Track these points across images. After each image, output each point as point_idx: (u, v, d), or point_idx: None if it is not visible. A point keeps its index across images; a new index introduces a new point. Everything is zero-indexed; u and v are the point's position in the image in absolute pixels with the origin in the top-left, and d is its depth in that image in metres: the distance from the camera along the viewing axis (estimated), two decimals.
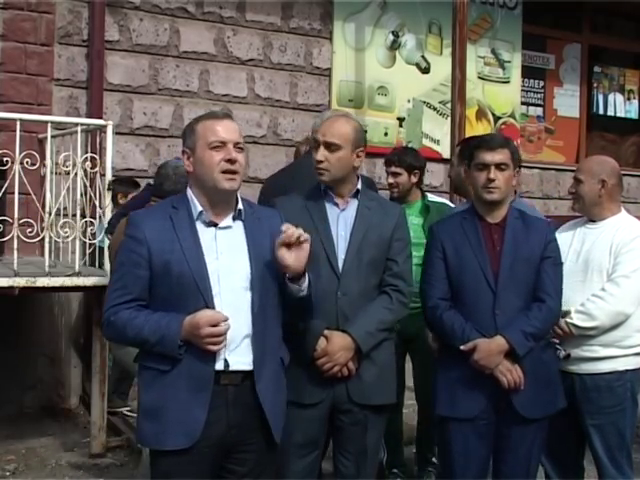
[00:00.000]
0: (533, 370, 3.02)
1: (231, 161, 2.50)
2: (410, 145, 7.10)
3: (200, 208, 2.54)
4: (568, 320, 3.26)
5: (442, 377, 3.14)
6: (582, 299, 3.28)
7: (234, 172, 2.51)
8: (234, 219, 2.59)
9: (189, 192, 2.59)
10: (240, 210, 2.59)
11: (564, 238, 3.46)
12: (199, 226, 2.54)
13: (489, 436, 3.07)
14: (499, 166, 3.04)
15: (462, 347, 2.98)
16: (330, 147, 2.94)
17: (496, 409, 3.03)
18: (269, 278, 2.55)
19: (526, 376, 2.99)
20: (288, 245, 2.49)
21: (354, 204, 3.03)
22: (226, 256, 2.53)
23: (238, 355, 2.49)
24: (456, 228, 3.14)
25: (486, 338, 2.97)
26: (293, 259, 2.50)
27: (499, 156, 3.04)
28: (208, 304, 2.45)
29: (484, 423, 3.03)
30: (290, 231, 2.48)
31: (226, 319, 2.41)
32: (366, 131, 6.25)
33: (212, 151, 2.51)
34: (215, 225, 2.56)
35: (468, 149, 3.35)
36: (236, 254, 2.54)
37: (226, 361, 2.47)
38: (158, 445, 2.51)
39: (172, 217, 2.54)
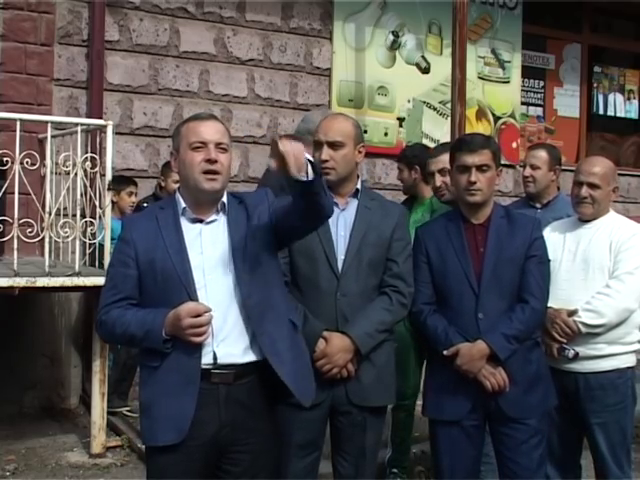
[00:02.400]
0: (519, 371, 3.03)
1: (210, 161, 2.50)
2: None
3: (184, 205, 2.58)
4: (576, 319, 3.26)
5: (430, 380, 3.17)
6: (585, 298, 3.29)
7: (214, 172, 2.51)
8: (218, 212, 2.60)
9: (177, 193, 2.65)
10: (224, 203, 2.61)
11: (554, 239, 3.45)
12: (184, 223, 2.58)
13: (478, 437, 3.10)
14: (480, 168, 3.03)
15: (445, 352, 3.00)
16: (334, 145, 2.95)
17: (485, 410, 3.05)
18: (254, 270, 2.54)
19: (511, 377, 3.00)
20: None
21: (354, 204, 3.03)
22: (211, 250, 2.55)
23: (227, 346, 2.49)
24: (440, 231, 3.14)
25: (469, 342, 2.99)
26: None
27: (480, 158, 3.03)
28: (192, 297, 2.47)
29: (472, 424, 3.05)
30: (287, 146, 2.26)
31: (208, 310, 2.42)
32: (366, 131, 6.30)
33: (193, 152, 2.54)
34: (201, 221, 2.59)
35: (451, 150, 3.33)
36: (221, 248, 2.56)
37: (214, 354, 2.48)
38: (151, 441, 2.54)
39: (157, 217, 2.60)
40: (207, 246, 2.55)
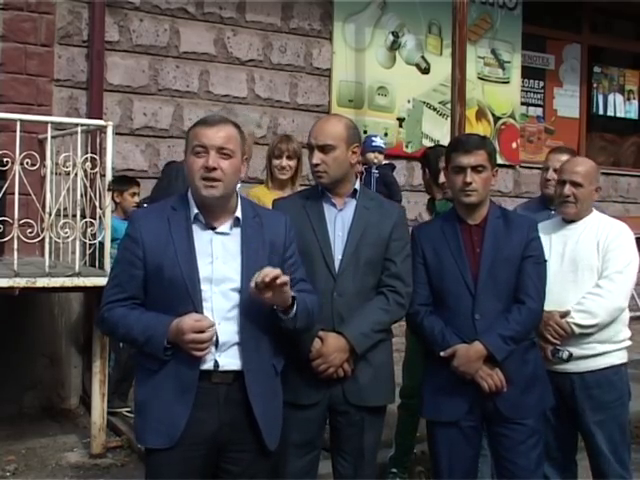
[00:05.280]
0: (516, 371, 3.04)
1: (208, 168, 2.46)
2: (410, 145, 7.14)
3: (196, 210, 2.54)
4: (569, 320, 3.26)
5: (427, 381, 3.17)
6: (576, 298, 3.31)
7: (213, 179, 2.47)
8: (232, 226, 2.57)
9: (189, 194, 2.59)
10: (238, 218, 2.58)
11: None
12: (195, 229, 2.54)
13: (476, 437, 3.10)
14: (475, 168, 3.03)
15: (442, 353, 3.01)
16: (324, 149, 2.94)
17: (483, 411, 3.05)
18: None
19: (508, 378, 3.00)
20: (267, 285, 2.41)
21: (352, 204, 3.02)
22: (221, 261, 2.52)
23: (229, 357, 2.50)
24: (436, 232, 3.14)
25: (466, 343, 2.99)
26: (272, 298, 2.45)
27: (475, 158, 3.03)
28: (196, 308, 2.45)
29: (470, 425, 3.06)
30: (265, 272, 2.39)
31: (212, 325, 2.41)
32: (366, 131, 6.30)
33: (195, 157, 2.50)
34: (212, 228, 2.55)
35: (446, 150, 3.33)
36: (230, 260, 2.53)
37: (216, 362, 2.48)
38: (142, 442, 2.55)
39: (169, 219, 2.54)
40: (218, 256, 2.52)
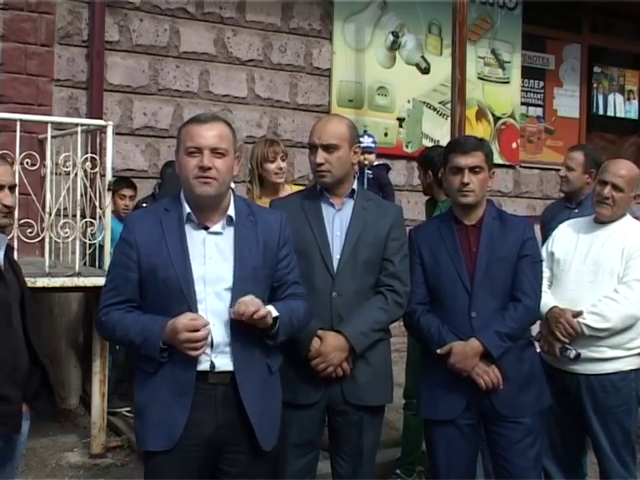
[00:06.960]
0: (513, 370, 3.05)
1: (203, 168, 2.47)
2: (410, 145, 7.13)
3: (188, 210, 2.54)
4: (581, 320, 3.26)
5: (424, 380, 3.18)
6: (592, 300, 3.29)
7: (207, 178, 2.47)
8: (225, 225, 2.57)
9: (181, 194, 2.60)
10: (231, 217, 2.57)
11: (568, 238, 3.46)
12: (188, 229, 2.54)
13: (474, 436, 3.10)
14: (473, 169, 3.05)
15: (438, 351, 3.01)
16: (328, 148, 2.94)
17: (480, 409, 3.06)
18: (252, 286, 2.52)
19: (505, 376, 3.01)
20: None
21: (350, 204, 3.03)
22: (214, 261, 2.52)
23: (224, 358, 2.50)
24: (433, 232, 3.16)
25: (462, 341, 2.99)
26: (252, 323, 2.45)
27: (472, 159, 3.05)
28: (191, 308, 2.46)
29: (467, 424, 3.06)
30: (242, 308, 2.41)
31: (206, 324, 2.41)
32: (366, 131, 6.30)
33: (188, 157, 2.50)
34: (205, 228, 2.55)
35: (444, 152, 3.33)
36: (223, 260, 2.53)
37: (212, 363, 2.48)
38: (142, 445, 2.55)
39: (162, 220, 2.55)
40: (211, 257, 2.52)
